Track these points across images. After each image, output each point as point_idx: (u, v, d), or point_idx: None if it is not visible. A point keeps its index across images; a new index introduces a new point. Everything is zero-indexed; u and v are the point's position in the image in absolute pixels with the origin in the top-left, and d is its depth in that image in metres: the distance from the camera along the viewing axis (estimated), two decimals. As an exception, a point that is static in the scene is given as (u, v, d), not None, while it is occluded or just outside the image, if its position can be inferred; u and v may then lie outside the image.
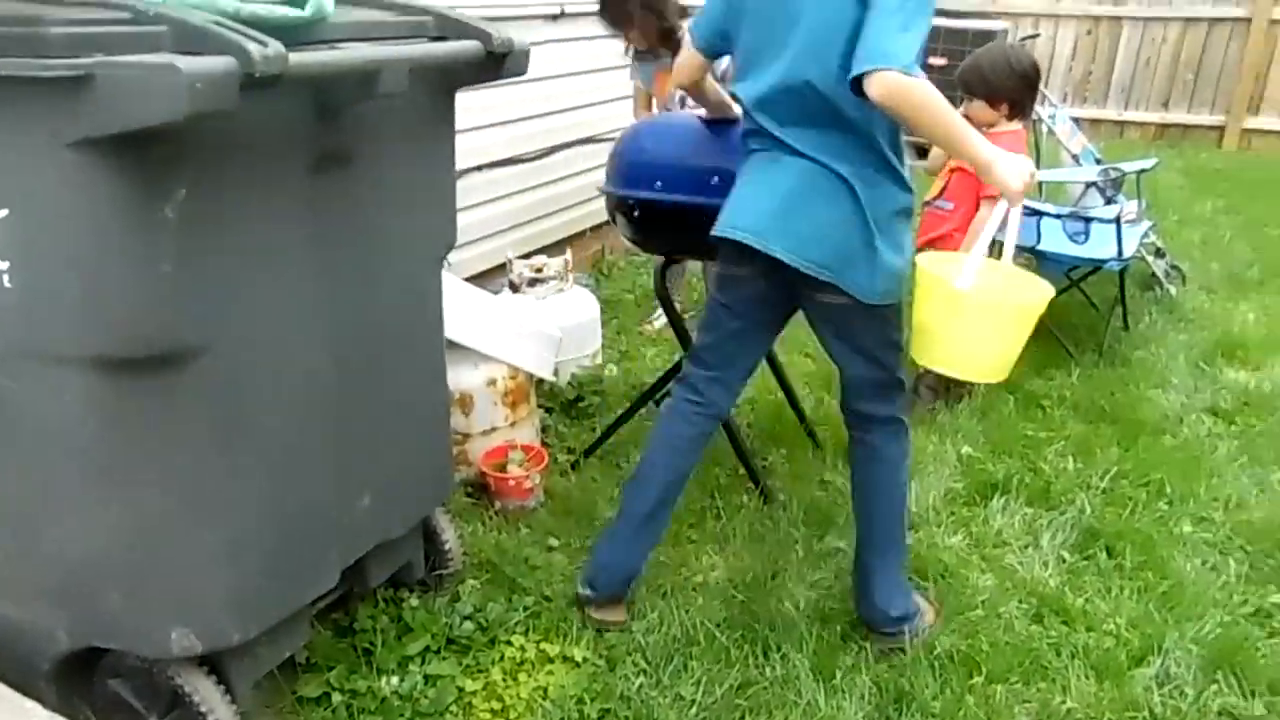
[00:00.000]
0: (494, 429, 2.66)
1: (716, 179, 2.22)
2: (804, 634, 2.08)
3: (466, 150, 2.92)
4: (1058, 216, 3.53)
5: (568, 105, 4.07)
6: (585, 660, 2.02)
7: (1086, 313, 3.80)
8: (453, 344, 2.39)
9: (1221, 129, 7.67)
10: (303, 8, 1.43)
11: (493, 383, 2.62)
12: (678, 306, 2.89)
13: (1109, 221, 3.43)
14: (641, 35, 3.27)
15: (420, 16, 1.71)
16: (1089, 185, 4.02)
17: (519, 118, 3.80)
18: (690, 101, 3.43)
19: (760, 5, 1.81)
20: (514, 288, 3.22)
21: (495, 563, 2.29)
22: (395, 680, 1.91)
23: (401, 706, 1.87)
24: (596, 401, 3.15)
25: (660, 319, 3.74)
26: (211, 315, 1.42)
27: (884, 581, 2.05)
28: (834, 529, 2.45)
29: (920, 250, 2.61)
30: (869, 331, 1.90)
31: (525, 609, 2.15)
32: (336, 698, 1.88)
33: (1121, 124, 7.94)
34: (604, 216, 2.69)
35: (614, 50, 3.58)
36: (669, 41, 3.25)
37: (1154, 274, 4.15)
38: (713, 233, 1.91)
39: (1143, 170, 3.84)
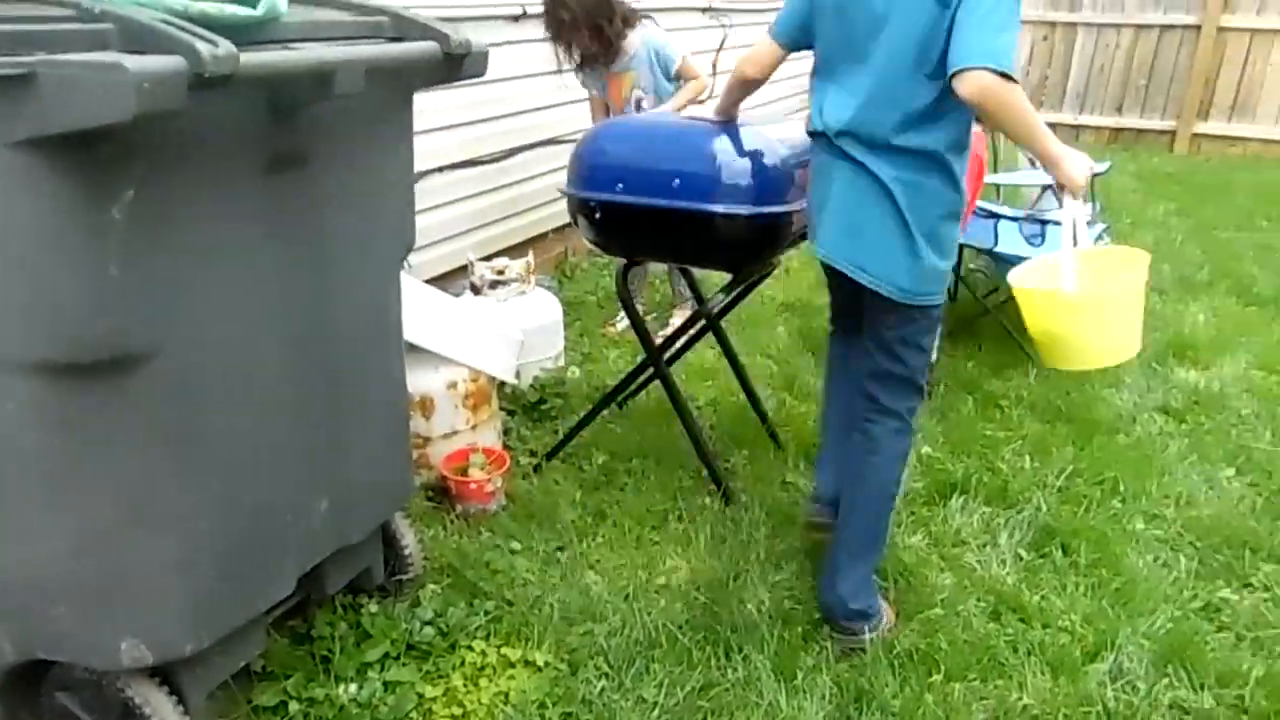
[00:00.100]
0: (455, 432, 2.64)
1: (678, 181, 2.22)
2: (765, 635, 2.09)
3: (426, 151, 2.90)
4: (1014, 219, 3.59)
5: (529, 106, 4.05)
6: (547, 664, 2.01)
7: (1043, 314, 3.86)
8: (413, 346, 2.37)
9: (1173, 133, 7.86)
10: (255, 7, 1.41)
11: (454, 385, 2.61)
12: (640, 308, 2.89)
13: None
14: (590, 42, 3.27)
15: (377, 17, 1.70)
16: (1045, 188, 4.07)
17: (480, 119, 3.79)
18: (646, 105, 3.46)
19: (843, 3, 1.84)
20: (475, 290, 3.20)
21: (456, 567, 2.28)
22: (354, 688, 1.89)
23: (360, 714, 1.85)
24: (559, 404, 3.14)
25: (623, 321, 3.74)
26: (161, 319, 1.39)
27: (852, 575, 2.07)
28: (796, 530, 2.46)
29: None
30: (897, 328, 1.96)
31: (486, 613, 2.13)
32: (294, 706, 1.85)
33: (1077, 128, 8.11)
34: (566, 218, 2.69)
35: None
36: (610, 50, 3.29)
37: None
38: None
39: (1096, 174, 3.89)
